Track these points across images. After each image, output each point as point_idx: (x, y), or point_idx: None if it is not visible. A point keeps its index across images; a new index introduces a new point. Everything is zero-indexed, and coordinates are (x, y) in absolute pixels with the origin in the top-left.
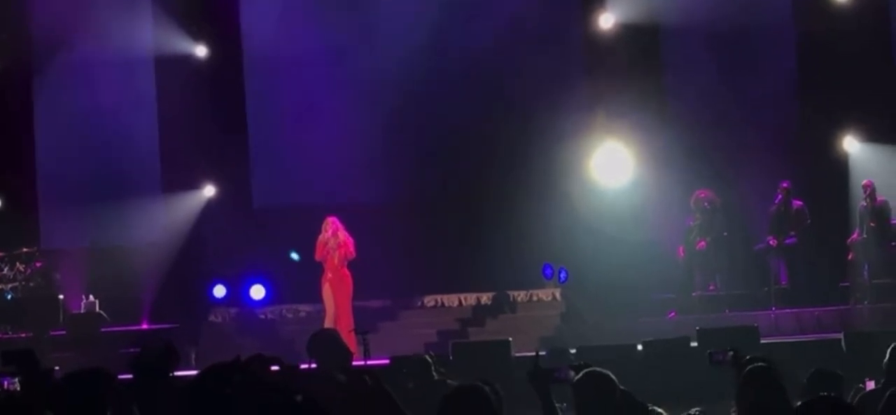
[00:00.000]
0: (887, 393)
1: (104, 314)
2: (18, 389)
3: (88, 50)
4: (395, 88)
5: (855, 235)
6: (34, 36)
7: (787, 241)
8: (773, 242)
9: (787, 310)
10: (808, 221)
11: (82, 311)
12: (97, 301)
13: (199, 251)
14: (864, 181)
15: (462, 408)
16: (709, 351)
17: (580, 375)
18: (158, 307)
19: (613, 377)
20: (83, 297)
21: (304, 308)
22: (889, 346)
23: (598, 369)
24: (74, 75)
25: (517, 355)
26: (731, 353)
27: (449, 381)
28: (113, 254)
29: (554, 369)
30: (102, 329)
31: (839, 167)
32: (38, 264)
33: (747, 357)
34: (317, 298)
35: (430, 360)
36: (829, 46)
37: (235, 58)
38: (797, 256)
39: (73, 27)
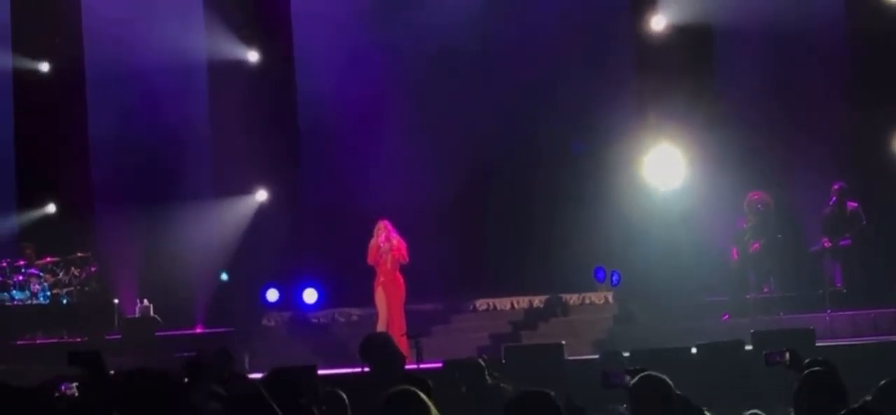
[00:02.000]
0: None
1: (159, 318)
2: (76, 394)
3: (142, 55)
4: (445, 91)
5: None
6: (88, 40)
7: (842, 242)
8: (827, 244)
9: (843, 312)
10: (864, 222)
11: (137, 315)
12: (151, 305)
13: (252, 255)
14: None
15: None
16: (765, 352)
17: (636, 379)
18: (212, 311)
19: (670, 382)
20: (137, 301)
21: (355, 312)
22: None
23: (654, 373)
24: (128, 80)
25: (570, 358)
26: (787, 354)
27: (502, 385)
28: (167, 258)
29: (609, 373)
30: (157, 333)
31: (893, 168)
32: (92, 269)
33: (807, 360)
34: (368, 301)
35: (483, 363)
36: (882, 45)
37: (286, 62)
38: (852, 257)
39: (126, 32)
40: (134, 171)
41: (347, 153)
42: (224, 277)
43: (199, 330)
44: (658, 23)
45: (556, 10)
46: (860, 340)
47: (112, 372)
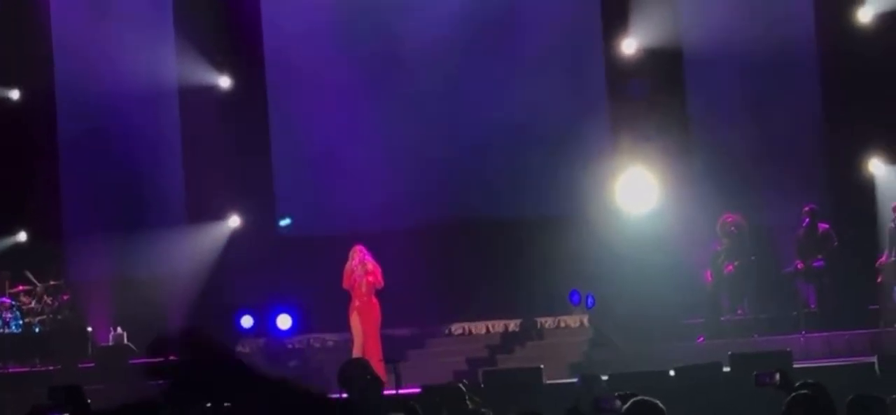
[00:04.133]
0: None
1: (132, 346)
2: None
3: (114, 81)
4: (418, 116)
5: (884, 258)
6: (59, 67)
7: (815, 264)
8: (800, 266)
9: (817, 334)
10: (835, 243)
11: (110, 343)
12: (125, 333)
13: (226, 281)
14: (894, 203)
15: None
16: (755, 373)
17: (629, 403)
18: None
19: (662, 407)
20: (111, 329)
21: (331, 337)
22: None
23: (646, 398)
24: (100, 106)
25: (548, 382)
26: (777, 375)
27: (483, 410)
28: (140, 285)
29: (600, 398)
30: (131, 361)
31: (865, 189)
32: (65, 297)
33: (797, 383)
34: (344, 326)
35: (463, 389)
36: (854, 68)
37: (259, 87)
38: (825, 279)
39: (98, 58)
40: (106, 197)
41: (321, 177)
42: (286, 222)
43: (173, 357)
44: (629, 46)
45: (529, 34)
46: (836, 361)
47: (88, 402)
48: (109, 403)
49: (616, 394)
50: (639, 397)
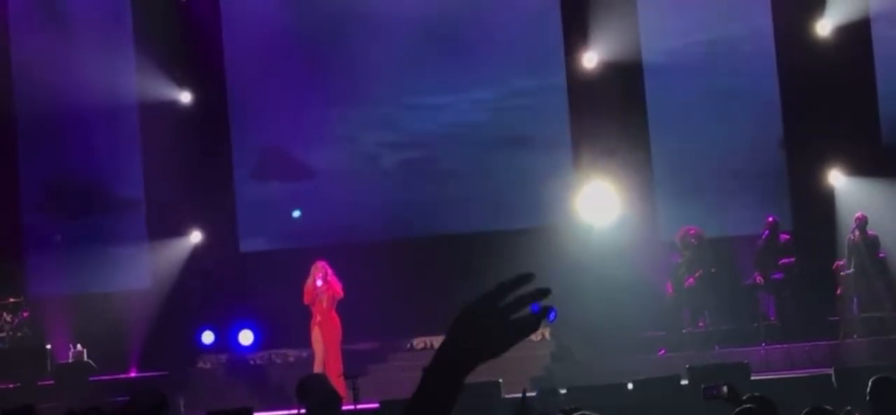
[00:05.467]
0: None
1: (92, 363)
2: None
3: (73, 97)
4: (380, 130)
5: (840, 263)
6: (18, 82)
7: (775, 276)
8: (759, 279)
9: (777, 345)
10: (794, 256)
11: (70, 360)
12: (85, 350)
13: (187, 298)
14: (857, 214)
15: None
16: (703, 386)
17: None
18: (147, 355)
19: None
20: (71, 346)
21: (292, 353)
22: None
23: (588, 413)
24: (59, 122)
25: (507, 395)
26: (725, 387)
27: None
28: (100, 302)
29: (545, 414)
30: (91, 378)
31: (825, 201)
32: (24, 314)
33: (745, 397)
34: (305, 342)
35: None
36: (813, 81)
37: (220, 103)
38: (785, 291)
39: (57, 74)
40: (66, 214)
41: (282, 193)
42: (297, 213)
43: (133, 374)
44: (590, 60)
45: (489, 49)
46: (795, 372)
47: None
48: None
49: (562, 409)
50: (582, 412)
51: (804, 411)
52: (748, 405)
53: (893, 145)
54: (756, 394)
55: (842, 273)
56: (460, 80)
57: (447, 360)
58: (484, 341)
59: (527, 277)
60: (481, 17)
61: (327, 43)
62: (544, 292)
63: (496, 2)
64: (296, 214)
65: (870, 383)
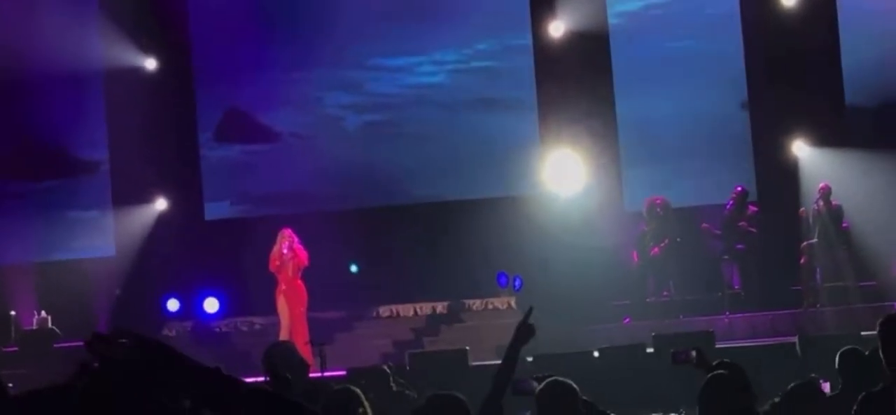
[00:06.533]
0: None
1: (57, 330)
2: None
3: (36, 63)
4: (346, 99)
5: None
6: None
7: (737, 246)
8: (715, 231)
9: (741, 314)
10: (756, 227)
11: (34, 327)
12: (49, 317)
13: (152, 265)
14: (821, 184)
15: None
16: (672, 351)
17: (542, 385)
18: (112, 323)
19: (576, 387)
20: (35, 313)
21: (258, 320)
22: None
23: (560, 378)
24: (22, 88)
25: (474, 363)
26: (694, 352)
27: (407, 392)
28: (64, 269)
29: (517, 380)
30: (55, 345)
31: (789, 171)
32: None
33: (715, 363)
34: (271, 310)
35: (388, 371)
36: (778, 50)
37: (185, 70)
38: (749, 260)
39: (20, 40)
40: (30, 180)
41: (248, 160)
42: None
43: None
44: (556, 29)
45: (456, 20)
46: (759, 341)
47: (10, 385)
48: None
49: (534, 376)
50: (552, 378)
51: (791, 386)
52: (720, 371)
53: (857, 114)
54: (726, 360)
55: (805, 243)
56: (423, 44)
57: None
58: None
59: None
60: None
61: (294, 7)
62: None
63: None
64: (353, 268)
65: (838, 356)
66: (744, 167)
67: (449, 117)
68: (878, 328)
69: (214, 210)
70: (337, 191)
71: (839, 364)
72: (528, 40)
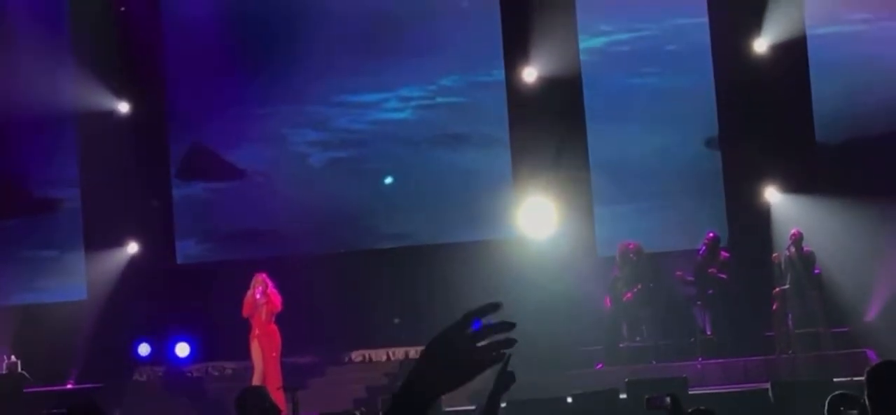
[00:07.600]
0: None
1: (27, 374)
2: None
3: (10, 107)
4: (320, 143)
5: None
6: None
7: (709, 291)
8: (689, 279)
9: (714, 360)
10: (727, 273)
11: (4, 371)
12: (19, 361)
13: (123, 309)
14: (793, 230)
15: None
16: (647, 397)
17: None
18: (83, 367)
19: None
20: (5, 357)
21: (229, 366)
22: (818, 395)
23: None
24: None
25: (448, 409)
26: (668, 399)
27: None
28: (35, 313)
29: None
30: (26, 390)
31: (761, 218)
32: None
33: (690, 411)
34: (243, 354)
35: None
36: (750, 97)
37: (158, 114)
38: (721, 306)
39: None
40: (2, 224)
41: (221, 205)
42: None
43: (69, 386)
44: (529, 75)
45: (431, 63)
46: (731, 387)
47: None
48: None
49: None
50: None
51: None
52: None
53: (828, 163)
54: (702, 407)
55: (777, 289)
56: (401, 91)
57: (414, 388)
58: (450, 370)
59: (494, 306)
60: (420, 31)
61: (267, 50)
62: (509, 326)
63: (436, 7)
64: (388, 180)
65: (827, 403)
66: (716, 213)
67: (413, 153)
68: (866, 377)
69: (183, 247)
70: (304, 229)
71: (828, 412)
72: (500, 76)
